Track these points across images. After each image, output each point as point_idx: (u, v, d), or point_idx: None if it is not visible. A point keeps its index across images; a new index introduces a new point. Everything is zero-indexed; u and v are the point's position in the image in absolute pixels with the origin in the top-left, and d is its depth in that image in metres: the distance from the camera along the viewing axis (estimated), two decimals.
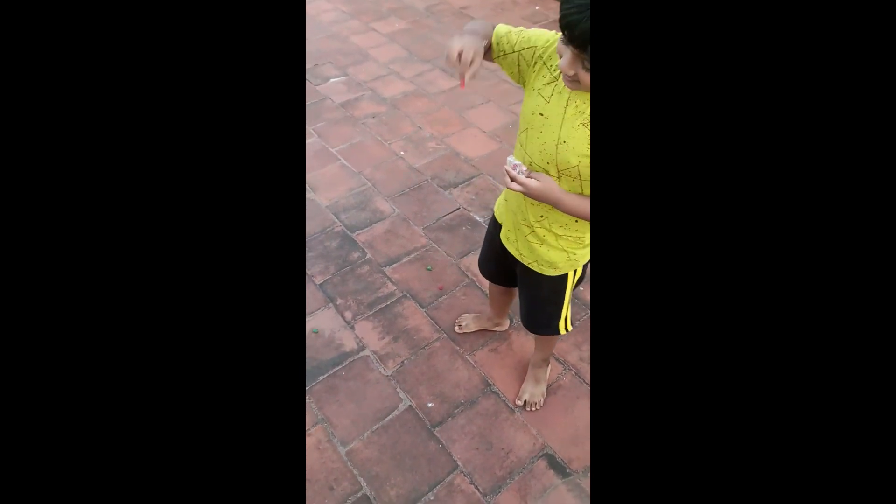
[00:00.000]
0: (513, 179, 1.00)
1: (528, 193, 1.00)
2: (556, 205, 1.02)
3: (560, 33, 0.83)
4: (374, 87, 2.83)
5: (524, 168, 1.01)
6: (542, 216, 1.11)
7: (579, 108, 0.95)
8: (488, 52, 1.05)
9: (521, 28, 1.03)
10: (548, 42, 0.98)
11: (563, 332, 1.34)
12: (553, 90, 0.98)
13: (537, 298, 1.31)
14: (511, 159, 1.02)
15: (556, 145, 0.97)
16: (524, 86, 1.04)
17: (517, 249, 1.22)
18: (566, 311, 1.31)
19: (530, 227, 1.14)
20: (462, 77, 0.93)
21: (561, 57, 0.85)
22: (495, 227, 1.31)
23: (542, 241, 1.15)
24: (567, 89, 0.95)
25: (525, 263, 1.22)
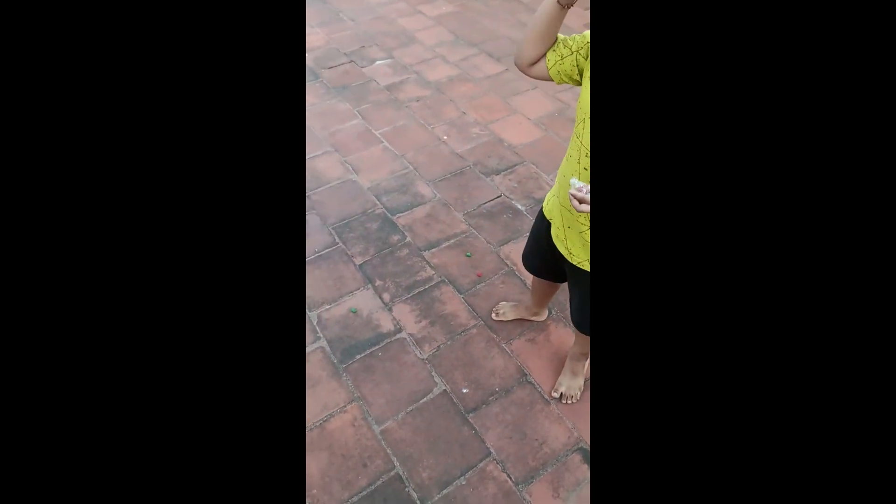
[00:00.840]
0: (581, 202, 0.94)
1: None
2: None
3: None
4: (420, 71, 2.81)
5: (590, 187, 0.96)
6: None
7: None
8: (541, 60, 1.04)
9: (576, 38, 1.02)
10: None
11: None
12: None
13: (588, 297, 1.28)
14: (574, 181, 0.97)
15: None
16: (580, 81, 1.02)
17: (567, 248, 1.19)
18: None
19: (585, 224, 1.11)
20: None
21: None
22: (543, 222, 1.28)
23: None
24: None
25: (575, 263, 1.19)
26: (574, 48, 1.00)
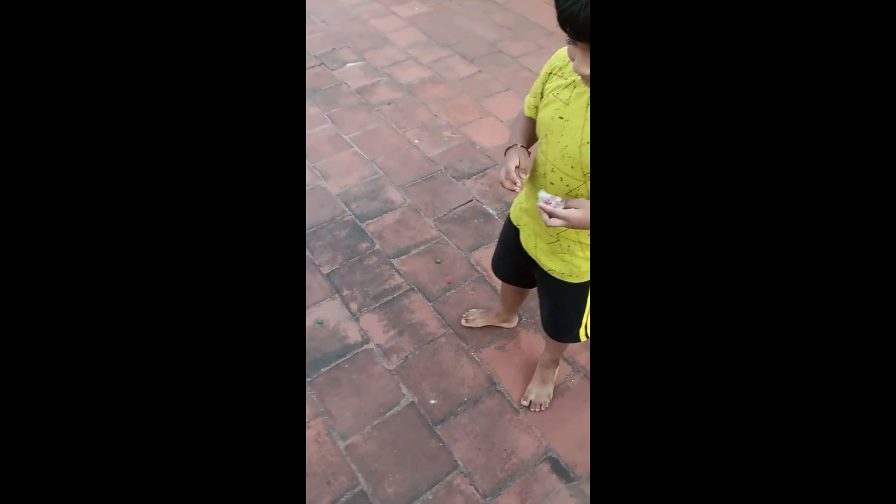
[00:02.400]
0: (551, 215, 0.92)
1: (571, 225, 0.93)
2: None
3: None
4: (392, 73, 2.77)
5: (559, 199, 0.94)
6: None
7: None
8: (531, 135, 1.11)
9: (535, 82, 1.09)
10: (550, 62, 1.02)
11: (583, 338, 1.30)
12: (571, 93, 0.95)
13: (559, 305, 1.27)
14: (542, 194, 0.94)
15: (580, 147, 0.93)
16: (540, 103, 1.04)
17: (537, 256, 1.17)
18: (587, 317, 1.26)
19: (555, 236, 1.09)
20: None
21: (573, 60, 0.81)
22: (511, 228, 1.26)
23: (567, 251, 1.10)
24: (586, 90, 0.91)
25: (546, 270, 1.17)
26: (540, 89, 1.04)
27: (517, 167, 0.99)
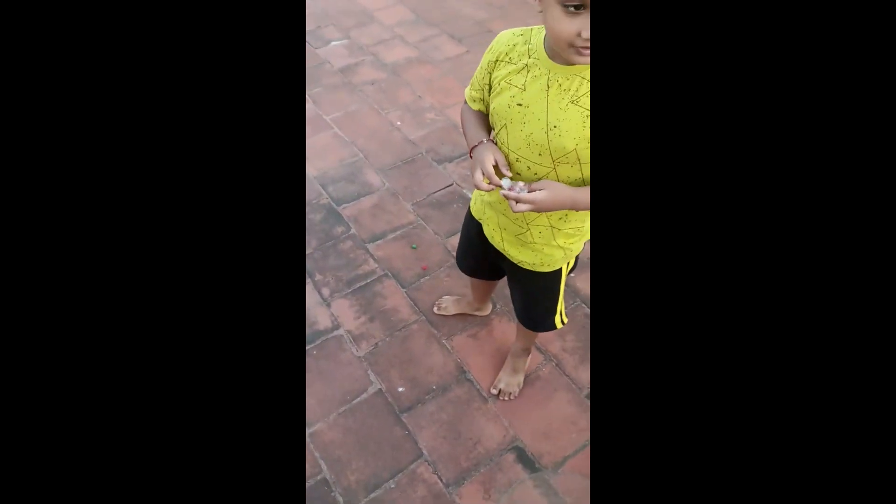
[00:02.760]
0: (518, 201, 0.88)
1: (540, 208, 0.89)
2: (573, 206, 0.92)
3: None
4: (377, 52, 2.71)
5: (521, 184, 0.90)
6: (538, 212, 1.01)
7: (563, 87, 0.86)
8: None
9: (475, 73, 1.02)
10: (493, 49, 0.96)
11: (559, 325, 1.27)
12: (526, 77, 0.89)
13: (532, 296, 1.24)
14: (506, 182, 0.90)
15: (547, 132, 0.88)
16: (490, 93, 0.98)
17: (504, 248, 1.13)
18: (561, 304, 1.24)
19: (524, 226, 1.05)
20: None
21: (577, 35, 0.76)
22: (472, 223, 1.22)
23: (539, 240, 1.06)
24: (543, 72, 0.87)
25: (516, 263, 1.13)
26: (485, 80, 0.98)
27: (495, 165, 0.93)
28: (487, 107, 1.02)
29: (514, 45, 0.92)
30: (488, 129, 1.03)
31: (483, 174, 0.92)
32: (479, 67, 1.00)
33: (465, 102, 1.07)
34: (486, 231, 1.17)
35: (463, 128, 1.06)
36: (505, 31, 0.96)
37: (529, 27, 0.94)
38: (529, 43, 0.91)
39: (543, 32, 0.90)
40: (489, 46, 0.97)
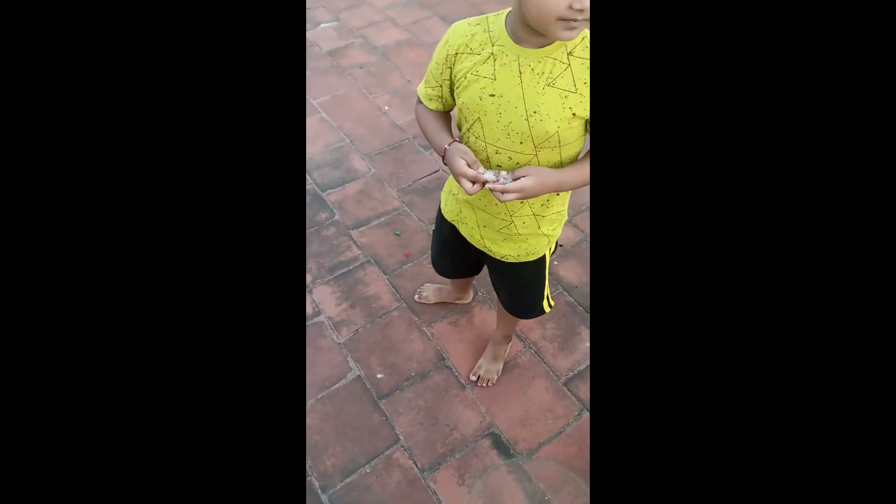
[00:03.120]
0: (503, 191, 0.86)
1: (528, 195, 0.88)
2: (558, 188, 0.91)
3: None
4: (366, 35, 2.67)
5: (505, 173, 0.88)
6: (521, 202, 1.00)
7: (536, 70, 0.84)
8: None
9: (428, 69, 0.99)
10: (450, 42, 0.92)
11: (547, 310, 1.27)
12: (495, 65, 0.87)
13: (519, 286, 1.23)
14: (488, 174, 0.88)
15: (527, 119, 0.86)
16: (455, 89, 0.95)
17: (486, 246, 1.11)
18: (547, 289, 1.24)
19: (507, 219, 1.03)
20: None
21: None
22: (445, 225, 1.19)
23: (523, 230, 1.05)
24: (512, 58, 0.85)
25: (498, 258, 1.12)
26: (444, 76, 0.95)
27: (470, 165, 0.88)
28: (446, 104, 0.99)
29: (472, 35, 0.90)
30: (449, 128, 1.00)
31: (468, 178, 0.88)
32: (432, 63, 0.96)
33: (420, 101, 1.03)
34: (464, 231, 1.14)
35: (423, 130, 1.02)
36: (458, 22, 0.93)
37: (484, 15, 0.92)
38: (490, 31, 0.88)
39: (503, 18, 0.88)
40: (443, 39, 0.94)
